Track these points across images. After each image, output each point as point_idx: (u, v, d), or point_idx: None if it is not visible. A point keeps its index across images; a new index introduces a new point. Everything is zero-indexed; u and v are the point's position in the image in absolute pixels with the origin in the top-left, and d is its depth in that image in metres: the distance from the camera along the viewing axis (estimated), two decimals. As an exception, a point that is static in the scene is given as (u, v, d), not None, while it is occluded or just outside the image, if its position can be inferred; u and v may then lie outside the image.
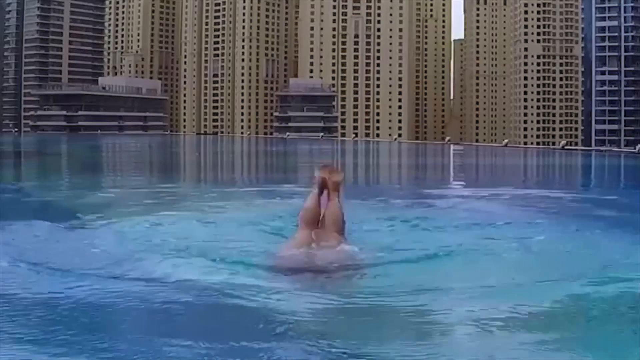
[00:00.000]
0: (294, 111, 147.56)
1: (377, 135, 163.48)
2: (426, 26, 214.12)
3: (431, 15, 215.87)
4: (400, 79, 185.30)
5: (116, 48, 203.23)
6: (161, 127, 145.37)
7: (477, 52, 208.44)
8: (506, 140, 66.24)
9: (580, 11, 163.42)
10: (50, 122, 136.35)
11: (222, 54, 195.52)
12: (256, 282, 4.85)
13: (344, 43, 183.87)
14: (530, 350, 3.69)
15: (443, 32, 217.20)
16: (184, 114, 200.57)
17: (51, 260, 5.60)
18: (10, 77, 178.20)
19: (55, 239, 6.83)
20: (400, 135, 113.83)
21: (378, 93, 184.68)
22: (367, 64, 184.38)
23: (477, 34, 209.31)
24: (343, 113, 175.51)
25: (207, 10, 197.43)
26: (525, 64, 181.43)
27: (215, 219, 8.12)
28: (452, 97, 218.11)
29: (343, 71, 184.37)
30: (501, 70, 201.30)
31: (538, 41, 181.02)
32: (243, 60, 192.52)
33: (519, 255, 6.04)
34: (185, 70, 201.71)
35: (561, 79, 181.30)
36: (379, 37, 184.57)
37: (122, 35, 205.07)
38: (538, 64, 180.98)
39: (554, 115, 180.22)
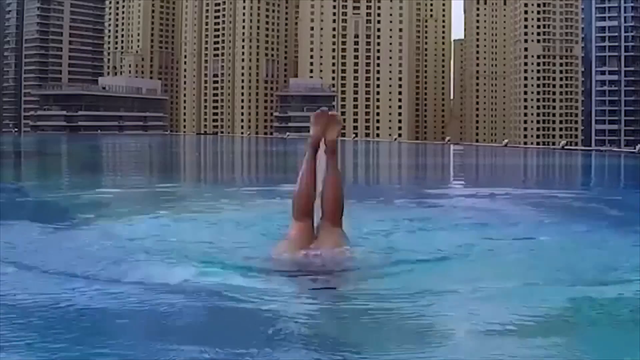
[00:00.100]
0: (294, 111, 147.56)
1: (377, 135, 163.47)
2: (426, 26, 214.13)
3: (431, 15, 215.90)
4: (400, 79, 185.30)
5: (116, 48, 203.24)
6: (161, 127, 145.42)
7: (477, 52, 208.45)
8: (506, 140, 66.24)
9: (580, 11, 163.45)
10: (50, 122, 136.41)
11: (222, 54, 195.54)
12: (253, 285, 4.80)
13: (344, 43, 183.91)
14: (531, 350, 3.68)
15: (443, 32, 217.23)
16: (184, 114, 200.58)
17: (47, 262, 5.57)
18: (10, 77, 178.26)
19: (52, 240, 6.80)
20: (400, 135, 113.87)
21: (378, 93, 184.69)
22: (367, 64, 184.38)
23: (477, 34, 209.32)
24: (343, 113, 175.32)
25: (207, 10, 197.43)
26: (525, 64, 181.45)
27: (213, 220, 8.10)
28: (452, 97, 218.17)
29: (343, 71, 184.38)
30: (501, 70, 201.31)
31: (538, 41, 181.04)
32: (243, 60, 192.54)
33: (519, 256, 6.02)
34: (185, 70, 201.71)
35: (561, 79, 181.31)
36: (379, 37, 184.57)
37: (122, 35, 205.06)
38: (538, 64, 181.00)
39: (554, 115, 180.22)
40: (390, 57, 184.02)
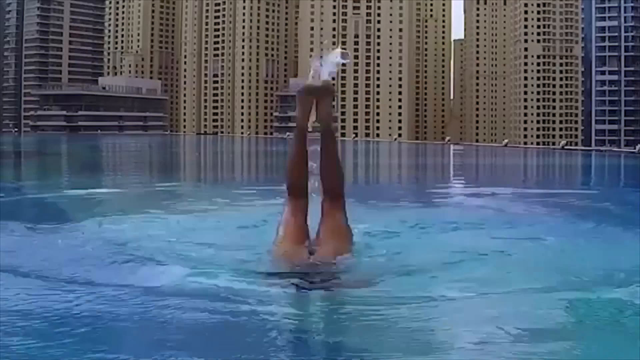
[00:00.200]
0: (294, 111, 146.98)
1: (377, 135, 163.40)
2: (426, 26, 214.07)
3: (431, 15, 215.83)
4: (400, 79, 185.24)
5: (116, 48, 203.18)
6: (161, 127, 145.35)
7: (477, 52, 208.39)
8: (506, 140, 66.22)
9: (580, 11, 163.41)
10: (50, 122, 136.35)
11: (222, 54, 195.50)
12: (249, 287, 4.74)
13: (344, 43, 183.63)
14: (534, 352, 3.67)
15: (443, 32, 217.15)
16: (184, 114, 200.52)
17: (38, 264, 5.53)
18: (10, 77, 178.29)
19: (44, 241, 6.72)
20: (400, 135, 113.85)
21: (378, 93, 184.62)
22: (367, 64, 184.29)
23: (477, 34, 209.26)
24: (343, 113, 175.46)
25: (207, 10, 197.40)
26: (525, 64, 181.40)
27: (212, 220, 8.08)
28: (452, 97, 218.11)
29: (343, 71, 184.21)
30: (501, 70, 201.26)
31: (538, 41, 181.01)
32: (243, 60, 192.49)
33: (522, 256, 5.99)
34: (185, 70, 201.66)
35: (561, 79, 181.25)
36: (379, 37, 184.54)
37: (122, 35, 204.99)
38: (538, 64, 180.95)
39: (554, 115, 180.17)
40: (390, 57, 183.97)
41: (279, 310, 4.38)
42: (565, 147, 39.52)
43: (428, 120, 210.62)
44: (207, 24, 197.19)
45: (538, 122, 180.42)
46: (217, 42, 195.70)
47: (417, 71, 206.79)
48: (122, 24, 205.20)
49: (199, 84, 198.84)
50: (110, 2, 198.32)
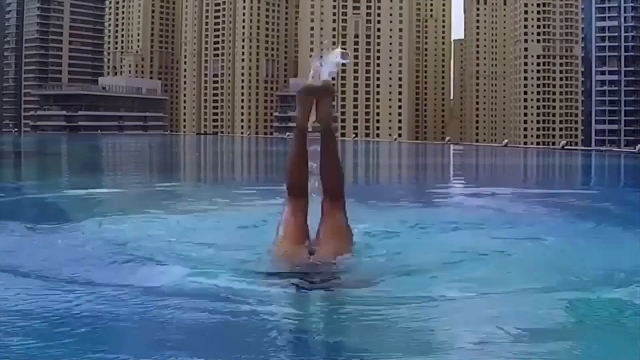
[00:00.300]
0: (294, 111, 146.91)
1: (377, 135, 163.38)
2: (426, 26, 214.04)
3: (431, 15, 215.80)
4: (400, 79, 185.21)
5: (116, 48, 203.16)
6: (161, 127, 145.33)
7: (477, 52, 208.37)
8: (506, 140, 66.21)
9: (580, 11, 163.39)
10: (50, 122, 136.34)
11: (222, 54, 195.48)
12: (248, 288, 4.72)
13: (344, 43, 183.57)
14: (533, 350, 3.66)
15: (443, 32, 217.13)
16: (184, 114, 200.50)
17: (37, 264, 5.51)
18: (10, 77, 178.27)
19: (43, 241, 6.70)
20: (400, 135, 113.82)
21: (378, 93, 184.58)
22: (367, 64, 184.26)
23: (477, 34, 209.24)
24: (343, 113, 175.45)
25: (207, 10, 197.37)
26: (525, 64, 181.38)
27: (211, 220, 8.07)
28: (452, 97, 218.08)
29: (343, 71, 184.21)
30: (501, 70, 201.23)
31: (538, 41, 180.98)
32: (243, 60, 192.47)
33: (524, 257, 5.98)
34: (185, 70, 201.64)
35: (561, 79, 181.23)
36: (379, 37, 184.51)
37: (122, 35, 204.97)
38: (538, 64, 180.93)
39: (554, 115, 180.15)
40: (390, 57, 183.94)
41: (279, 310, 4.37)
42: (565, 147, 39.52)
43: (428, 120, 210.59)
44: (207, 24, 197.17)
45: (538, 122, 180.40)
46: (217, 42, 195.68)
47: (417, 71, 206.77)
48: (122, 24, 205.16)
49: (199, 84, 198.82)
50: (110, 2, 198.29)
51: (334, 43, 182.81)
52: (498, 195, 12.63)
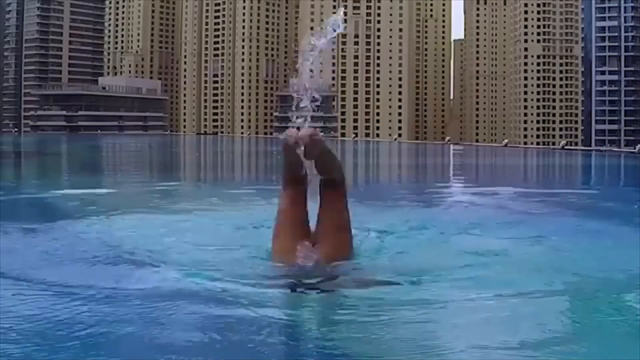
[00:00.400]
0: (294, 111, 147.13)
1: (377, 135, 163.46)
2: (426, 26, 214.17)
3: (431, 15, 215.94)
4: (400, 79, 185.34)
5: (116, 48, 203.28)
6: (161, 127, 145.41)
7: (477, 52, 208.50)
8: (506, 140, 66.24)
9: (580, 11, 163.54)
10: (50, 122, 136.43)
11: (222, 54, 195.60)
12: (246, 290, 4.65)
13: (344, 43, 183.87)
14: (534, 351, 3.63)
15: (443, 32, 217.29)
16: (184, 114, 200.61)
17: (36, 265, 5.48)
18: (10, 77, 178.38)
19: (43, 242, 6.63)
20: (400, 135, 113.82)
21: (378, 93, 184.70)
22: (367, 64, 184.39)
23: (477, 34, 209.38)
24: (343, 113, 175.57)
25: (207, 10, 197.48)
26: (525, 64, 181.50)
27: (210, 220, 8.03)
28: (452, 97, 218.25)
29: (343, 71, 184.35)
30: (501, 70, 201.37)
31: (538, 41, 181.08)
32: (243, 60, 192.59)
33: (520, 257, 5.95)
34: (185, 70, 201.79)
35: (561, 79, 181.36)
36: (379, 37, 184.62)
37: (122, 35, 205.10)
38: (538, 64, 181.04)
39: (554, 115, 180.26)
40: (390, 57, 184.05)
41: (278, 310, 4.34)
42: (565, 147, 39.51)
43: (428, 120, 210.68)
44: (207, 24, 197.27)
45: (538, 122, 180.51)
46: (217, 42, 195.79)
47: (417, 71, 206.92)
48: (122, 24, 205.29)
49: (199, 84, 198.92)
50: (110, 2, 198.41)
51: (333, 43, 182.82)
52: (498, 196, 12.60)
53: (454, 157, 31.59)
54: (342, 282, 4.93)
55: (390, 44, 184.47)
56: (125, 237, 6.69)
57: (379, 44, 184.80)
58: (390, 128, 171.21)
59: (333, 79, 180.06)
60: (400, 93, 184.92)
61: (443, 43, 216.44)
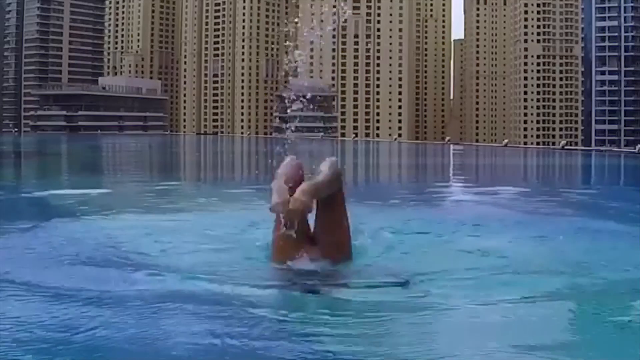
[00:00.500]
0: (294, 111, 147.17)
1: (377, 135, 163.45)
2: (426, 26, 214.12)
3: (431, 15, 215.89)
4: (400, 79, 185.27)
5: (116, 48, 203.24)
6: (161, 127, 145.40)
7: (477, 52, 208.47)
8: (506, 140, 66.23)
9: (580, 11, 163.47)
10: (50, 122, 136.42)
11: (222, 54, 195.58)
12: (244, 292, 4.63)
13: (344, 43, 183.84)
14: (537, 352, 3.62)
15: (443, 32, 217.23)
16: (184, 114, 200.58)
17: (30, 265, 5.44)
18: (10, 77, 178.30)
19: (39, 242, 6.58)
20: (400, 135, 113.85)
21: (378, 93, 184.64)
22: (367, 64, 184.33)
23: (477, 34, 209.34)
24: (343, 113, 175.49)
25: (207, 10, 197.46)
26: (525, 64, 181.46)
27: (210, 220, 8.02)
28: (452, 97, 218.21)
29: (343, 71, 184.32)
30: (501, 70, 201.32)
31: (538, 41, 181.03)
32: (243, 60, 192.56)
33: (520, 257, 5.93)
34: (185, 70, 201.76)
35: (561, 79, 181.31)
36: (379, 37, 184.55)
37: (122, 35, 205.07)
38: (538, 64, 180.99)
39: (554, 115, 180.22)
40: (390, 57, 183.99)
41: (277, 311, 4.32)
42: (565, 147, 39.52)
43: (428, 120, 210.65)
44: (207, 24, 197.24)
45: (538, 122, 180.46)
46: (217, 42, 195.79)
47: (417, 71, 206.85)
48: (122, 24, 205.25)
49: (199, 84, 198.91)
50: (110, 2, 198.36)
51: (333, 43, 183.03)
52: (498, 195, 12.59)
53: (454, 157, 31.59)
54: (342, 283, 4.92)
55: (390, 43, 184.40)
56: (124, 237, 6.66)
57: (379, 44, 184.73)
58: (390, 128, 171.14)
59: (333, 79, 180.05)
60: (400, 93, 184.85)
61: (443, 43, 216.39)
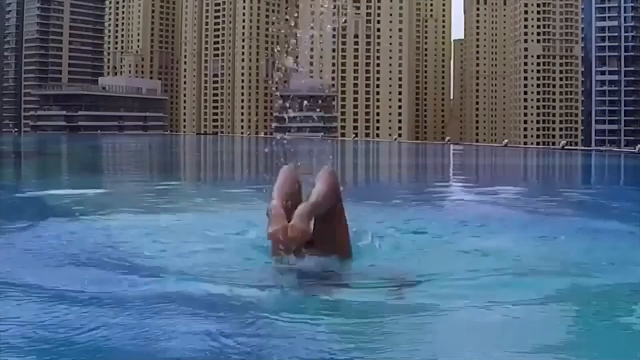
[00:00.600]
0: (294, 111, 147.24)
1: (377, 135, 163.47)
2: (426, 26, 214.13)
3: (431, 15, 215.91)
4: (400, 79, 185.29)
5: (116, 48, 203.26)
6: (161, 127, 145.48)
7: (477, 52, 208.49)
8: (506, 140, 66.21)
9: (580, 11, 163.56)
10: (50, 122, 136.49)
11: (222, 54, 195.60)
12: (243, 294, 4.61)
13: (344, 43, 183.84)
14: (538, 354, 3.61)
15: (443, 32, 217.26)
16: (184, 114, 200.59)
17: (26, 266, 5.42)
18: (10, 77, 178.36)
19: (36, 243, 6.53)
20: (400, 135, 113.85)
21: (378, 93, 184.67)
22: (367, 64, 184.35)
23: (477, 34, 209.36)
24: (343, 113, 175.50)
25: (207, 10, 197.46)
26: (525, 64, 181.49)
27: (209, 220, 8.01)
28: (452, 97, 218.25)
29: (343, 71, 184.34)
30: (501, 70, 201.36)
31: (538, 41, 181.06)
32: (243, 60, 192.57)
33: (520, 257, 5.92)
34: (185, 70, 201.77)
35: (561, 79, 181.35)
36: (379, 37, 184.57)
37: (122, 35, 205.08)
38: (538, 64, 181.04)
39: (554, 115, 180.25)
40: (390, 57, 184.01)
41: (277, 311, 4.31)
42: (566, 147, 39.51)
43: (428, 120, 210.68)
44: (207, 24, 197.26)
45: (538, 122, 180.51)
46: (217, 42, 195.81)
47: (417, 71, 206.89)
48: (122, 24, 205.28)
49: (199, 84, 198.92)
50: (110, 2, 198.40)
51: (333, 43, 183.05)
52: (498, 196, 12.58)
53: (454, 157, 31.58)
54: (342, 283, 4.91)
55: (390, 43, 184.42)
56: (124, 237, 6.65)
57: (379, 44, 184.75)
58: (390, 128, 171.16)
59: (333, 79, 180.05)
60: (400, 93, 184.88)
61: (443, 43, 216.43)
